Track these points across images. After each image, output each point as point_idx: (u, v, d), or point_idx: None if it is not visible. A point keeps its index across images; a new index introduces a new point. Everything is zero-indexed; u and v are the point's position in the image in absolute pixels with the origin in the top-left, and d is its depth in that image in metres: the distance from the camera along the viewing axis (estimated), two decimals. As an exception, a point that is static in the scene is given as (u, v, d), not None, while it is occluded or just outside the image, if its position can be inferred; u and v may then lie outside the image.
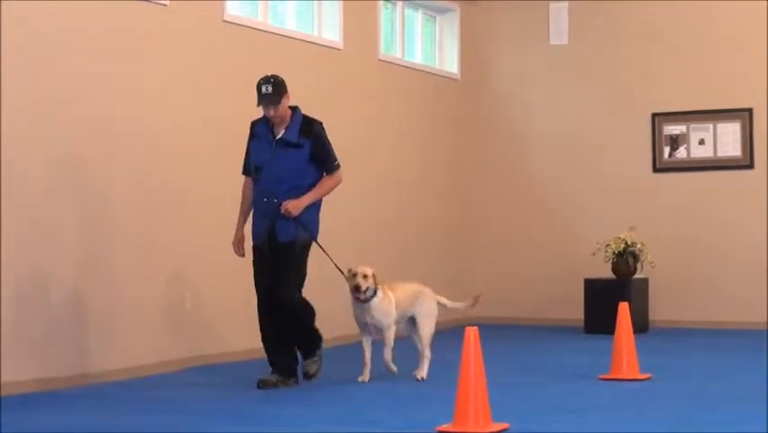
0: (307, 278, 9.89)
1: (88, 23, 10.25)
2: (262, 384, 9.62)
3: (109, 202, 10.48)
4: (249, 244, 9.88)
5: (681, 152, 15.61)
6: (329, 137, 13.47)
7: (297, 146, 9.60)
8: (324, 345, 10.16)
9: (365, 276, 9.70)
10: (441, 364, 10.90)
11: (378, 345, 10.06)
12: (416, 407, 8.66)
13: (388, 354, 10.01)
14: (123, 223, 10.60)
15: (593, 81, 16.07)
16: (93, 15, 10.30)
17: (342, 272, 9.85)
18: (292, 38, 13.00)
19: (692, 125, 15.54)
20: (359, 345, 10.11)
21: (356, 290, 9.68)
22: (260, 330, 9.81)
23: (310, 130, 9.70)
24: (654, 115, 15.70)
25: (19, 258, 9.44)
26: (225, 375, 10.65)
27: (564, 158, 16.15)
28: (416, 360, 10.31)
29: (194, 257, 11.44)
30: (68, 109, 9.99)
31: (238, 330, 11.61)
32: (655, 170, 15.72)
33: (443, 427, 7.44)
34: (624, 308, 10.29)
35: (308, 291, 9.89)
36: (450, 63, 16.47)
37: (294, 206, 9.48)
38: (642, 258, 14.73)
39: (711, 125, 15.45)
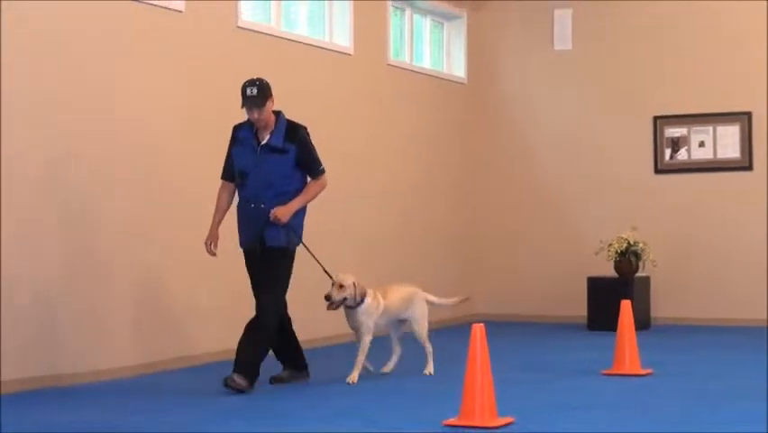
0: (299, 281, 9.77)
1: (104, 28, 10.23)
2: (274, 380, 9.61)
3: (114, 202, 10.40)
4: (234, 249, 9.66)
5: (682, 154, 15.59)
6: (338, 139, 13.53)
7: (282, 152, 9.29)
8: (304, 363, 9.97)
9: (341, 286, 9.44)
10: (448, 360, 10.89)
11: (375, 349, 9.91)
12: (423, 401, 8.65)
13: (360, 358, 9.71)
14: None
15: (596, 85, 16.05)
16: (109, 20, 10.28)
17: (331, 277, 9.57)
18: (304, 43, 12.99)
19: (693, 128, 15.51)
20: (355, 344, 9.93)
21: (326, 298, 9.44)
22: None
23: (295, 135, 9.39)
24: (656, 118, 15.67)
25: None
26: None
27: (568, 159, 16.13)
28: (412, 356, 10.31)
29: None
30: (85, 114, 9.99)
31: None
32: (657, 171, 15.69)
33: (450, 421, 7.43)
34: (626, 305, 10.28)
35: (301, 295, 10.01)
36: (457, 68, 16.46)
37: (283, 213, 9.20)
38: (644, 257, 14.71)
39: (711, 128, 15.42)
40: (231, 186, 9.50)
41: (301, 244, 9.53)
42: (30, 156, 9.51)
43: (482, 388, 7.34)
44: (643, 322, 14.15)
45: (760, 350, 12.15)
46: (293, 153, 9.31)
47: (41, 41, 9.65)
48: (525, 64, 16.50)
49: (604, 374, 10.03)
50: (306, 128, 9.54)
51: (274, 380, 9.60)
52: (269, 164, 9.25)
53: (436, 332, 14.55)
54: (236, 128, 9.50)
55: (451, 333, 14.37)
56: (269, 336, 9.32)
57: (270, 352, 9.60)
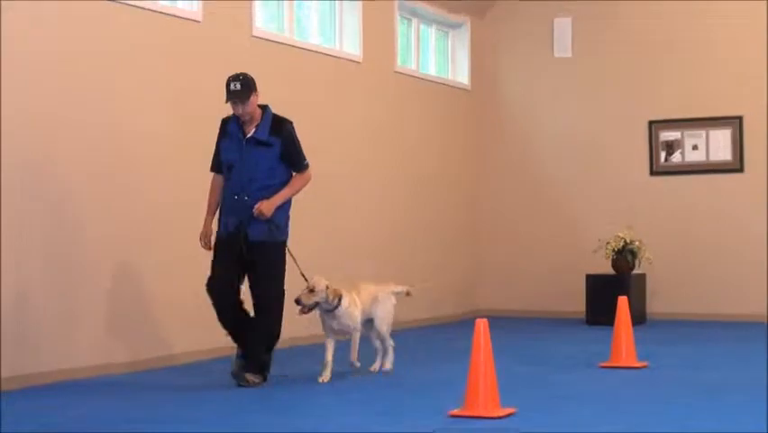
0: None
1: (125, 37, 10.26)
2: (236, 376, 9.02)
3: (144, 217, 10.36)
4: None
5: (676, 157, 15.57)
6: (347, 142, 13.54)
7: (267, 145, 8.99)
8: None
9: (311, 290, 9.01)
10: (452, 353, 10.91)
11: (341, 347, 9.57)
12: (429, 393, 8.64)
13: (354, 355, 9.42)
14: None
15: (595, 91, 16.04)
16: (129, 29, 10.31)
17: (306, 279, 9.13)
18: (315, 51, 12.99)
19: (686, 132, 15.50)
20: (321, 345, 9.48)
21: (296, 302, 9.00)
22: (218, 314, 9.08)
23: (281, 129, 9.08)
24: (651, 123, 15.67)
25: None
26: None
27: (567, 162, 16.13)
28: (416, 351, 10.30)
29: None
30: (102, 121, 9.96)
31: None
32: (652, 173, 15.68)
33: (455, 411, 7.44)
34: (623, 301, 10.28)
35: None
36: (461, 75, 16.46)
37: (266, 206, 8.89)
38: (640, 255, 14.72)
39: (704, 132, 15.41)
40: (220, 178, 9.20)
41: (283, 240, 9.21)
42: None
43: (485, 380, 7.35)
44: (639, 317, 14.14)
45: (751, 342, 12.20)
46: (278, 147, 9.03)
47: (55, 49, 9.62)
48: (527, 71, 16.50)
49: (602, 367, 10.02)
50: (291, 122, 9.26)
51: (241, 377, 9.00)
52: (254, 157, 8.97)
53: (440, 327, 14.63)
54: (224, 121, 9.23)
55: (455, 328, 14.40)
56: (277, 326, 9.13)
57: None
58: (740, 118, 15.18)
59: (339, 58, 13.44)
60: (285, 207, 9.16)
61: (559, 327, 14.36)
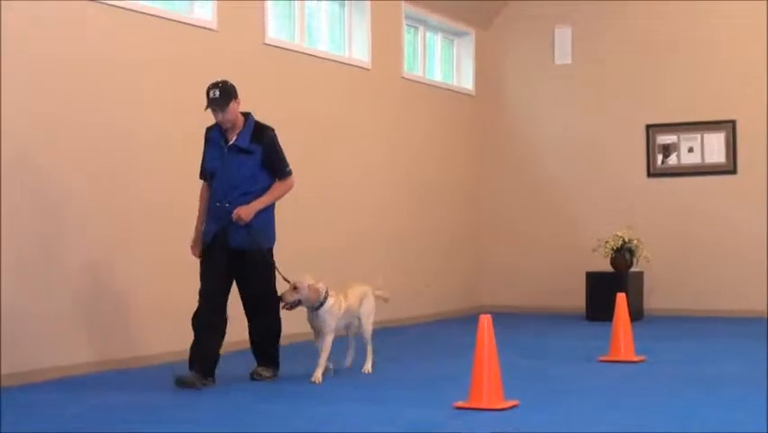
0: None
1: (146, 45, 10.25)
2: (180, 382, 8.50)
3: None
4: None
5: (673, 159, 15.55)
6: (356, 146, 13.52)
7: (248, 152, 8.64)
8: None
9: (294, 288, 8.65)
10: (457, 348, 10.88)
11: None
12: (435, 386, 8.62)
13: (323, 358, 8.86)
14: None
15: (594, 96, 16.03)
16: (149, 37, 10.30)
17: (287, 280, 8.76)
18: (325, 59, 12.99)
19: (682, 135, 15.47)
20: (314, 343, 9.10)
21: (280, 299, 8.75)
22: (196, 332, 8.66)
23: (262, 136, 8.73)
24: (648, 126, 15.64)
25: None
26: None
27: (568, 164, 16.12)
28: (420, 346, 10.25)
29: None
30: (121, 128, 9.96)
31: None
32: (649, 175, 15.66)
33: (460, 403, 7.42)
34: (621, 298, 10.25)
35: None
36: (466, 81, 16.44)
37: (245, 212, 8.55)
38: (637, 253, 14.69)
39: (699, 135, 15.39)
40: (206, 191, 8.91)
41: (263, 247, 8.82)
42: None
43: (489, 373, 7.34)
44: (636, 313, 14.12)
45: (745, 337, 12.20)
46: (259, 154, 8.68)
47: (72, 58, 9.61)
48: (529, 77, 16.48)
49: (601, 361, 10.00)
50: (273, 129, 8.90)
51: (180, 382, 8.51)
52: (236, 164, 8.65)
53: (446, 323, 14.62)
54: (208, 129, 8.89)
55: (459, 323, 14.39)
56: (278, 321, 8.98)
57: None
58: (733, 122, 15.16)
59: (348, 65, 13.43)
60: (267, 213, 8.84)
61: (560, 323, 14.33)
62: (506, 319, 13.88)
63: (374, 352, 9.52)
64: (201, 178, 8.97)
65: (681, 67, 15.45)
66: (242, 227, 8.60)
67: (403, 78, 14.58)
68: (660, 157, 15.61)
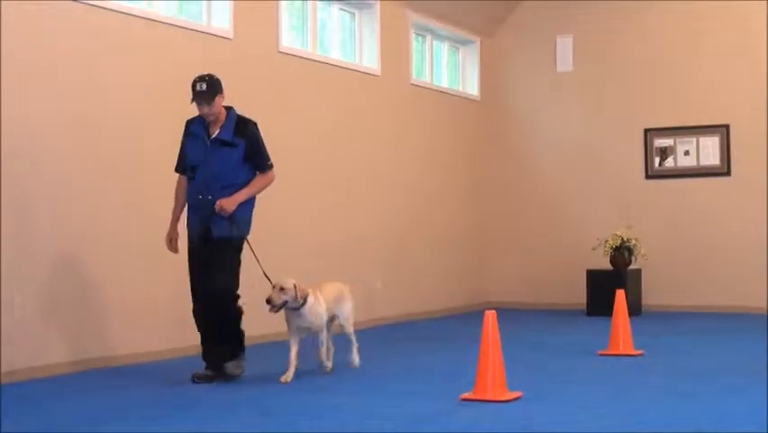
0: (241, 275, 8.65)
1: (164, 53, 10.24)
2: (197, 378, 8.41)
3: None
4: (183, 242, 8.56)
5: (669, 162, 15.51)
6: (367, 149, 13.50)
7: (231, 145, 8.34)
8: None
9: (282, 289, 8.29)
10: (463, 342, 10.86)
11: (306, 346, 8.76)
12: (442, 378, 8.59)
13: (323, 354, 8.76)
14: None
15: (594, 102, 16.00)
16: (168, 46, 10.30)
17: (269, 279, 8.41)
18: (337, 66, 12.97)
19: (679, 139, 15.44)
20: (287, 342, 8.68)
21: (267, 302, 8.30)
22: (199, 330, 8.55)
23: (245, 129, 8.43)
24: (646, 130, 15.61)
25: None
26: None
27: (569, 167, 16.09)
28: (424, 341, 10.22)
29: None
30: (133, 127, 9.92)
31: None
32: (647, 176, 15.62)
33: (466, 395, 7.41)
34: (620, 294, 10.22)
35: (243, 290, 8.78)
36: (471, 87, 16.42)
37: (228, 203, 8.24)
38: (636, 252, 14.66)
39: (695, 139, 15.35)
40: (185, 179, 8.57)
41: (246, 240, 8.51)
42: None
43: (494, 366, 7.32)
44: (635, 309, 14.07)
45: (737, 332, 12.21)
46: (242, 147, 8.38)
47: (101, 64, 9.62)
48: (531, 83, 16.46)
49: (601, 354, 9.97)
50: (255, 123, 8.60)
51: (197, 377, 8.44)
52: (219, 157, 8.33)
53: (452, 318, 14.61)
54: (189, 122, 8.56)
55: (465, 318, 14.36)
56: (233, 312, 8.46)
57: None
58: (727, 126, 15.13)
59: (359, 71, 13.42)
60: (248, 205, 8.52)
61: (561, 318, 14.30)
62: (510, 315, 13.87)
63: (359, 345, 9.20)
64: (177, 171, 8.64)
65: (677, 74, 15.43)
66: (224, 219, 8.30)
67: (411, 84, 14.56)
68: (657, 159, 15.57)
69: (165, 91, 10.14)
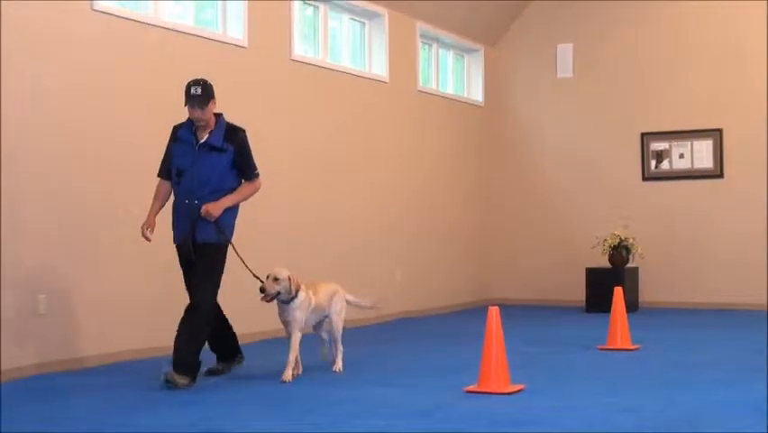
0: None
1: (182, 61, 10.24)
2: (209, 373, 8.26)
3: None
4: (169, 245, 8.12)
5: (665, 165, 15.48)
6: (376, 152, 13.48)
7: (220, 150, 7.99)
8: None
9: (276, 279, 8.02)
10: (467, 337, 10.84)
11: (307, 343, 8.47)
12: (447, 371, 8.57)
13: (292, 355, 8.14)
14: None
15: (593, 107, 15.98)
16: (185, 54, 10.29)
17: (258, 278, 8.11)
18: (347, 73, 12.96)
19: (674, 143, 15.41)
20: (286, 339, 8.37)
21: (260, 291, 8.03)
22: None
23: (234, 136, 8.08)
24: (643, 134, 15.58)
25: None
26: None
27: (569, 169, 16.07)
28: (428, 335, 10.19)
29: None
30: (159, 141, 9.89)
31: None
32: (644, 179, 15.59)
33: (470, 388, 7.40)
34: (618, 291, 10.22)
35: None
36: (476, 93, 16.40)
37: (214, 207, 7.89)
38: (633, 251, 14.65)
39: (689, 143, 15.32)
40: (167, 183, 8.19)
41: (231, 243, 8.16)
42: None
43: (497, 360, 7.32)
44: (632, 305, 14.07)
45: (729, 328, 12.21)
46: (231, 153, 8.03)
47: (120, 76, 9.62)
48: (533, 89, 16.44)
49: (600, 349, 9.96)
50: (244, 130, 8.22)
51: (210, 372, 8.31)
52: (207, 162, 7.97)
53: (457, 314, 14.60)
54: (176, 127, 8.18)
55: (470, 314, 14.35)
56: (206, 327, 8.03)
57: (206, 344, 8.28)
58: (720, 131, 15.10)
59: (368, 78, 13.41)
60: (232, 212, 8.18)
61: (562, 314, 14.29)
62: (512, 311, 13.85)
63: (343, 351, 8.74)
64: (160, 175, 8.25)
65: (672, 80, 15.40)
66: (209, 223, 7.95)
67: (418, 90, 14.54)
68: (653, 162, 15.54)
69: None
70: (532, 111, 16.45)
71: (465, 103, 16.00)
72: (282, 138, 11.70)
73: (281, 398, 7.32)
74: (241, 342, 8.69)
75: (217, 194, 8.00)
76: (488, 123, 16.47)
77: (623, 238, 14.57)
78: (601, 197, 15.79)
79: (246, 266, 8.13)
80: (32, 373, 8.47)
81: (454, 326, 12.97)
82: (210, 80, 8.12)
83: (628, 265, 14.73)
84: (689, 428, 6.10)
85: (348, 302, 8.84)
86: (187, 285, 8.14)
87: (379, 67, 13.71)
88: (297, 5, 12.13)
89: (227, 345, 8.48)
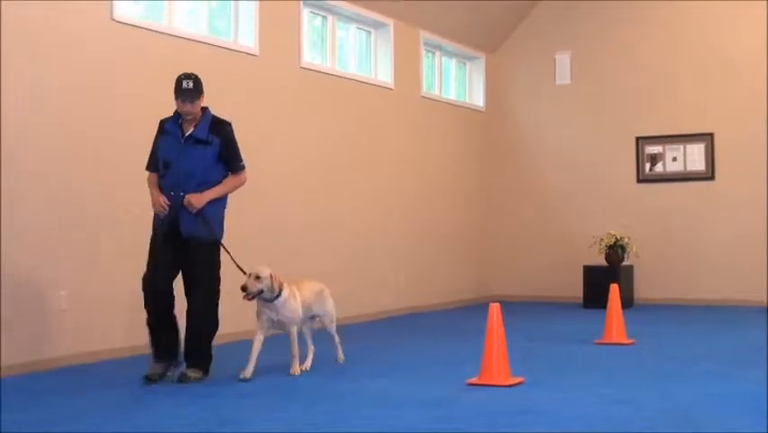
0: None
1: (196, 68, 10.22)
2: (150, 378, 7.63)
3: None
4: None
5: (659, 167, 15.45)
6: (382, 155, 13.46)
7: (206, 143, 7.68)
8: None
9: (257, 277, 7.64)
10: (469, 332, 10.83)
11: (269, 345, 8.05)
12: (450, 365, 8.55)
13: (294, 349, 7.96)
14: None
15: (590, 112, 15.96)
16: (199, 62, 10.29)
17: (244, 272, 7.74)
18: (354, 80, 12.96)
19: (667, 146, 15.38)
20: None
21: (242, 289, 7.65)
22: (148, 313, 7.76)
23: (220, 129, 7.79)
24: (638, 138, 15.55)
25: None
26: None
27: (567, 172, 16.05)
28: (430, 331, 10.17)
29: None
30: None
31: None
32: (639, 181, 15.57)
33: (472, 380, 7.38)
34: (614, 288, 10.20)
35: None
36: (477, 99, 16.38)
37: (197, 199, 7.59)
38: (628, 249, 14.63)
39: (682, 146, 15.30)
40: (155, 175, 7.84)
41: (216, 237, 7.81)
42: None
43: (498, 354, 7.31)
44: (627, 301, 14.09)
45: (719, 323, 12.19)
46: (217, 146, 7.73)
47: (135, 82, 9.61)
48: (532, 95, 16.42)
49: (596, 343, 9.94)
50: (230, 124, 7.94)
51: (149, 378, 7.64)
52: (193, 155, 7.68)
53: (460, 310, 14.59)
54: (163, 121, 7.88)
55: (471, 310, 14.33)
56: (214, 323, 7.89)
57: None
58: (711, 135, 15.08)
59: (374, 85, 13.40)
60: (219, 205, 7.85)
61: (560, 310, 14.26)
62: (512, 307, 13.84)
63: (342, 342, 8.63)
64: (148, 168, 7.90)
65: (665, 87, 15.39)
66: (193, 216, 7.64)
67: (422, 96, 14.53)
68: (648, 165, 15.51)
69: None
70: (531, 116, 16.44)
71: (467, 108, 15.98)
72: (291, 142, 11.69)
73: (287, 390, 7.31)
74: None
75: (203, 186, 7.70)
76: (489, 127, 16.45)
77: (618, 237, 14.56)
78: (598, 198, 15.78)
79: (235, 262, 7.83)
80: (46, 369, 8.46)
81: (457, 321, 12.95)
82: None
83: (624, 263, 14.70)
84: (682, 419, 6.08)
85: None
86: (148, 279, 7.70)
87: (384, 74, 13.70)
88: (306, 15, 12.12)
89: (169, 343, 7.87)
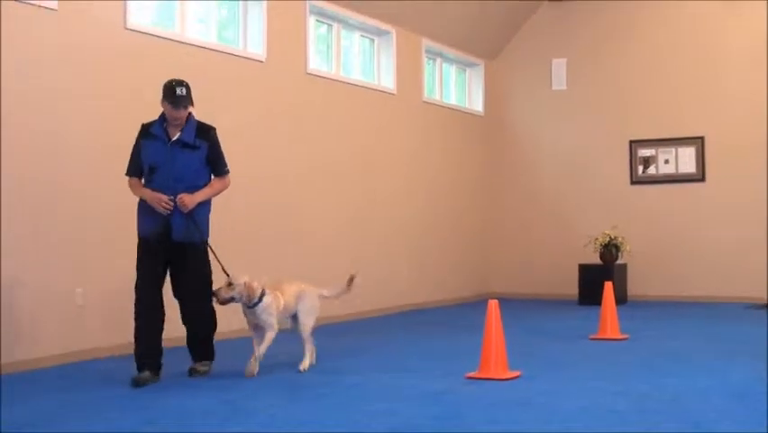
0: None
1: (204, 74, 10.23)
2: (138, 382, 7.30)
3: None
4: (132, 239, 7.60)
5: (652, 170, 15.45)
6: (385, 158, 13.46)
7: (193, 147, 7.51)
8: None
9: (229, 285, 7.51)
10: (468, 328, 10.82)
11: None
12: (450, 359, 8.54)
13: (263, 350, 7.65)
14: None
15: (585, 116, 15.95)
16: (207, 68, 10.29)
17: (228, 276, 7.59)
18: (358, 85, 12.95)
19: (660, 149, 15.38)
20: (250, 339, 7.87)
21: (213, 295, 7.56)
22: (138, 323, 7.50)
23: (207, 134, 7.63)
24: (631, 142, 15.55)
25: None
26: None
27: (563, 174, 16.04)
28: (433, 326, 10.17)
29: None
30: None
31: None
32: (632, 182, 15.56)
33: (471, 374, 7.38)
34: (608, 286, 10.20)
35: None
36: (477, 104, 16.38)
37: (189, 199, 7.41)
38: (622, 248, 14.62)
39: (674, 149, 15.29)
40: (137, 179, 7.60)
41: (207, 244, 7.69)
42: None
43: (496, 349, 7.30)
44: (621, 298, 14.07)
45: (709, 319, 12.16)
46: (204, 150, 7.57)
47: (144, 84, 9.59)
48: (530, 100, 16.42)
49: (591, 339, 9.93)
50: (215, 129, 7.76)
51: (138, 382, 7.31)
52: (181, 159, 7.48)
53: (460, 306, 14.58)
54: (147, 125, 7.62)
55: (471, 307, 14.32)
56: (213, 322, 7.85)
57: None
58: (702, 138, 15.07)
59: (377, 90, 13.40)
60: (206, 207, 7.71)
61: (556, 307, 14.25)
62: (510, 304, 13.83)
63: (314, 351, 8.16)
64: (129, 174, 7.62)
65: (658, 92, 15.39)
66: (184, 219, 7.48)
67: (423, 101, 14.53)
68: (641, 168, 15.51)
69: (205, 109, 10.13)
70: (529, 120, 16.43)
71: (467, 113, 15.98)
72: (297, 145, 11.69)
73: (292, 384, 7.30)
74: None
75: (192, 190, 7.52)
76: (487, 131, 16.45)
77: (613, 237, 14.55)
78: (593, 199, 15.77)
79: (221, 265, 7.63)
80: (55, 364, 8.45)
81: (457, 317, 12.94)
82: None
83: (618, 262, 14.69)
84: (673, 409, 6.07)
85: (326, 297, 8.34)
86: (142, 277, 7.54)
87: (387, 80, 13.70)
88: (312, 23, 12.13)
89: (157, 352, 7.61)
